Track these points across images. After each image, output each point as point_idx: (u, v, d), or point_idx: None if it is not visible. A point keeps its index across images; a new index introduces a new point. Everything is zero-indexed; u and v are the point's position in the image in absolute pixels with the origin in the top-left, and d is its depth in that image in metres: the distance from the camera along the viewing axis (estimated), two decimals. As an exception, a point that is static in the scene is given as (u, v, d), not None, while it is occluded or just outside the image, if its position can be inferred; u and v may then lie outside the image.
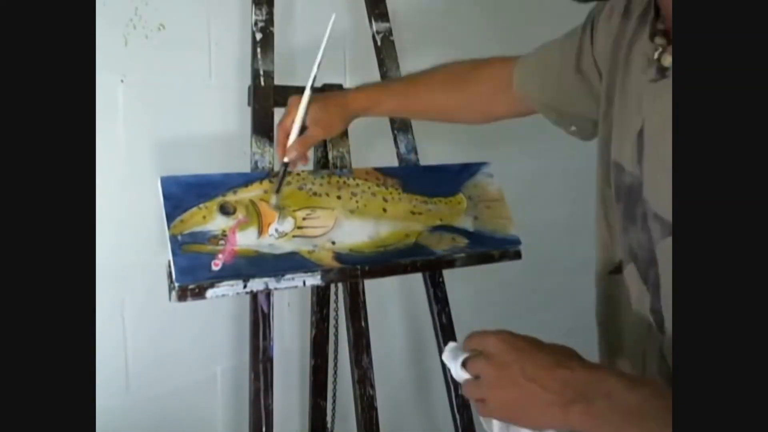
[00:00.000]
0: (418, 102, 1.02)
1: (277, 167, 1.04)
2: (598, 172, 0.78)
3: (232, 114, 1.20)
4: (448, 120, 1.10)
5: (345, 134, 1.15)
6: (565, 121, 0.91)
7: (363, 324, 1.14)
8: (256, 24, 1.08)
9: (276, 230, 0.99)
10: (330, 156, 1.13)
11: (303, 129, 0.98)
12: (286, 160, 0.98)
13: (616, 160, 0.73)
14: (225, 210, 0.97)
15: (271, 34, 1.09)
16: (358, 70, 1.39)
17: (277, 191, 1.00)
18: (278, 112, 1.09)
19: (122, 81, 1.07)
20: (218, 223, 0.95)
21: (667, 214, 0.61)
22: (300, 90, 1.00)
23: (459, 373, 0.61)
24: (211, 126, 1.19)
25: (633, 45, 0.71)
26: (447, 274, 1.23)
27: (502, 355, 0.58)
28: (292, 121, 0.97)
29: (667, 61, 0.62)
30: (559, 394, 0.54)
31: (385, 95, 1.04)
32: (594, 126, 0.83)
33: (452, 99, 1.01)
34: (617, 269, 0.74)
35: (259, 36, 1.08)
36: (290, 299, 1.34)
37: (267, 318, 1.05)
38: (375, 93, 1.05)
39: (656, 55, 0.64)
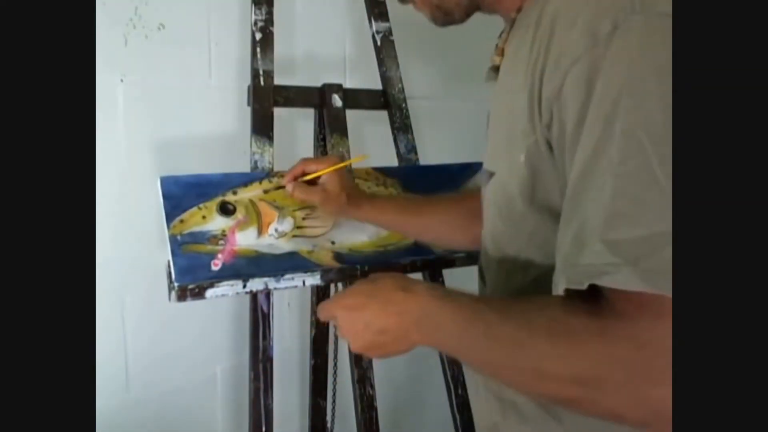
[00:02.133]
0: (412, 219, 1.04)
1: (277, 167, 1.05)
2: None
3: (232, 114, 1.20)
4: (438, 241, 1.12)
5: (345, 134, 1.15)
6: None
7: (363, 324, 1.13)
8: (255, 24, 1.08)
9: (276, 230, 0.99)
10: (329, 152, 1.13)
11: (315, 181, 1.00)
12: (288, 188, 0.99)
13: (487, 168, 0.78)
14: (225, 210, 0.97)
15: (271, 33, 1.09)
16: (358, 70, 1.39)
17: (266, 192, 1.02)
18: (278, 112, 1.09)
19: (122, 81, 1.07)
20: (218, 223, 0.95)
21: (488, 165, 0.72)
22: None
23: None
24: (211, 126, 1.19)
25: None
26: (446, 274, 1.23)
27: (343, 320, 0.69)
28: (316, 169, 0.99)
29: (496, 61, 0.74)
30: (398, 329, 0.65)
31: (386, 208, 1.04)
32: None
33: (441, 218, 1.03)
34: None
35: (258, 36, 1.08)
36: (290, 299, 1.34)
37: (267, 318, 1.05)
38: (380, 205, 1.04)
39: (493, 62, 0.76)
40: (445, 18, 0.77)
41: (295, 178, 0.99)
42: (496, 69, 0.75)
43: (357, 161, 1.05)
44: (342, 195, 0.98)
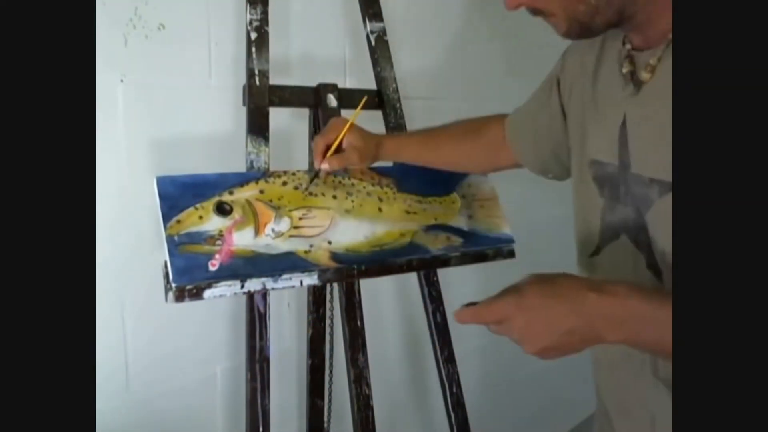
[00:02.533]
0: (434, 153, 1.14)
1: (273, 167, 1.05)
2: (574, 177, 0.92)
3: (232, 114, 1.20)
4: (460, 169, 1.21)
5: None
6: (546, 170, 1.06)
7: (359, 323, 1.14)
8: (251, 23, 1.08)
9: (273, 230, 0.99)
10: (325, 156, 1.13)
11: (339, 149, 1.04)
12: (324, 166, 1.03)
13: (593, 158, 0.85)
14: (222, 210, 0.96)
15: (266, 33, 1.09)
16: (358, 70, 1.39)
17: (306, 189, 1.05)
18: (273, 112, 1.09)
19: (122, 81, 1.06)
20: (215, 223, 0.95)
21: (663, 175, 0.71)
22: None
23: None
24: (211, 126, 1.19)
25: (599, 68, 0.85)
26: (444, 273, 1.24)
27: (521, 321, 0.66)
28: (336, 138, 1.03)
29: (644, 77, 0.74)
30: (587, 329, 0.64)
31: (408, 144, 1.15)
32: (564, 166, 1.00)
33: (462, 152, 1.14)
34: (596, 252, 0.85)
35: (254, 35, 1.08)
36: (290, 299, 1.34)
37: (263, 318, 1.05)
38: (399, 141, 1.16)
39: (629, 73, 0.77)
40: (581, 32, 0.76)
41: (323, 156, 1.03)
42: (638, 83, 0.76)
43: (361, 108, 1.08)
44: (369, 143, 1.07)
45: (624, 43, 0.79)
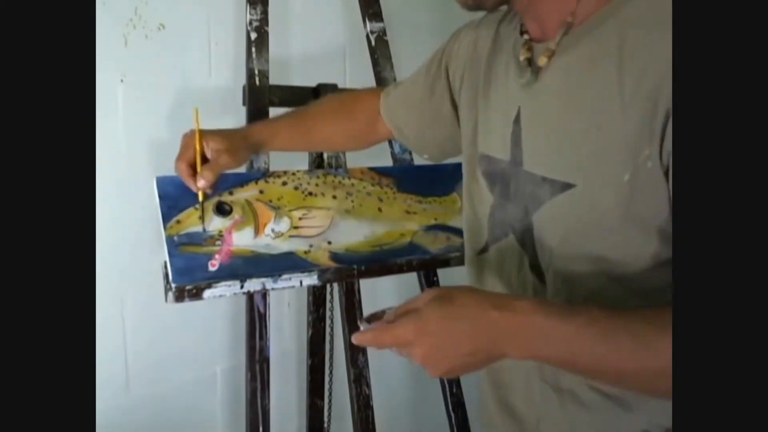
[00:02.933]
0: (308, 134, 1.07)
1: (273, 167, 1.06)
2: (465, 171, 0.90)
3: (232, 114, 1.20)
4: (334, 149, 1.17)
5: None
6: (423, 150, 1.05)
7: (358, 323, 1.14)
8: (251, 23, 1.08)
9: (272, 230, 0.99)
10: (325, 156, 1.13)
11: (204, 160, 0.94)
12: (200, 184, 0.93)
13: (484, 152, 0.83)
14: (221, 210, 0.96)
15: (266, 33, 1.09)
16: (357, 69, 1.39)
17: (202, 219, 0.95)
18: (273, 112, 1.09)
19: (122, 81, 1.06)
20: (215, 223, 0.95)
21: (555, 174, 0.70)
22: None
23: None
24: (211, 126, 1.18)
25: (494, 55, 0.84)
26: (444, 273, 1.24)
27: (421, 347, 0.63)
28: (194, 153, 0.94)
29: (542, 61, 0.72)
30: (490, 346, 0.63)
31: (278, 129, 1.04)
32: (443, 149, 1.01)
33: (334, 132, 1.08)
34: (484, 249, 0.84)
35: (254, 35, 1.08)
36: (290, 299, 1.34)
37: (263, 318, 1.05)
38: (270, 128, 1.04)
39: (525, 60, 0.75)
40: (475, 3, 0.76)
41: (195, 176, 0.93)
42: (536, 69, 0.74)
43: (198, 120, 0.96)
44: (234, 140, 0.96)
45: (522, 33, 0.78)
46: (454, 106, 0.94)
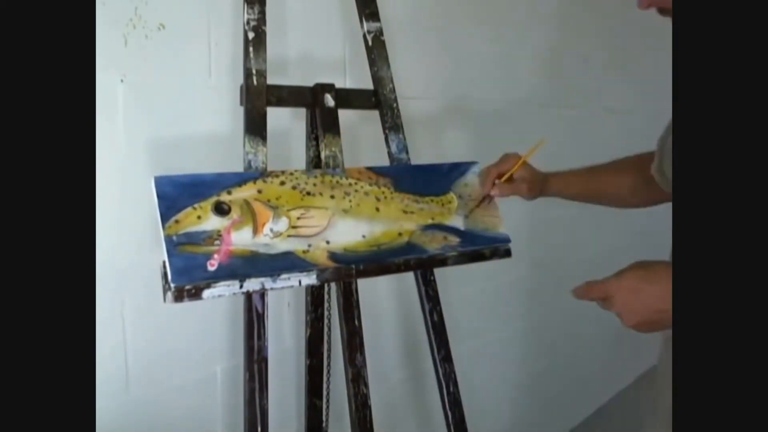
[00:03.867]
0: (596, 187, 1.22)
1: (270, 167, 1.06)
2: None
3: (230, 114, 1.20)
4: (623, 203, 1.28)
5: (338, 134, 1.15)
6: None
7: (356, 323, 1.14)
8: (248, 23, 1.08)
9: (271, 230, 0.99)
10: (322, 155, 1.13)
11: (510, 179, 1.17)
12: (494, 192, 1.18)
13: None
14: (220, 210, 0.96)
15: (264, 33, 1.09)
16: (356, 69, 1.39)
17: (466, 216, 1.19)
18: (271, 112, 1.09)
19: (122, 81, 1.06)
20: (213, 223, 0.95)
21: None
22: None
23: None
24: (210, 126, 1.19)
25: None
26: (443, 273, 1.24)
27: (622, 301, 0.80)
28: (509, 169, 1.17)
29: None
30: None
31: (572, 181, 1.24)
32: None
33: (622, 185, 1.20)
34: None
35: (251, 35, 1.08)
36: (290, 299, 1.34)
37: (261, 318, 1.05)
38: (566, 177, 1.24)
39: None
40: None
41: (493, 184, 1.17)
42: None
43: (537, 148, 1.19)
44: (537, 178, 1.19)
45: None
46: None
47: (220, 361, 1.25)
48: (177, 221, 0.92)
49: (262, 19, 1.09)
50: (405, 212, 1.14)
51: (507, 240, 1.23)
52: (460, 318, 1.34)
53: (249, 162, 1.05)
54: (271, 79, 1.10)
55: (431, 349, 1.25)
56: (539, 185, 1.20)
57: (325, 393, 1.28)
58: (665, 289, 0.72)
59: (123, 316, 1.09)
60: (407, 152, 1.24)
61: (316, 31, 1.35)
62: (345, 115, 1.19)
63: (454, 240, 1.17)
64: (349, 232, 1.06)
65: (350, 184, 1.10)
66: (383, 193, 1.13)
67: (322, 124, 1.15)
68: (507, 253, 1.24)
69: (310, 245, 1.01)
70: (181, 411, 1.19)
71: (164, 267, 0.91)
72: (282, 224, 1.00)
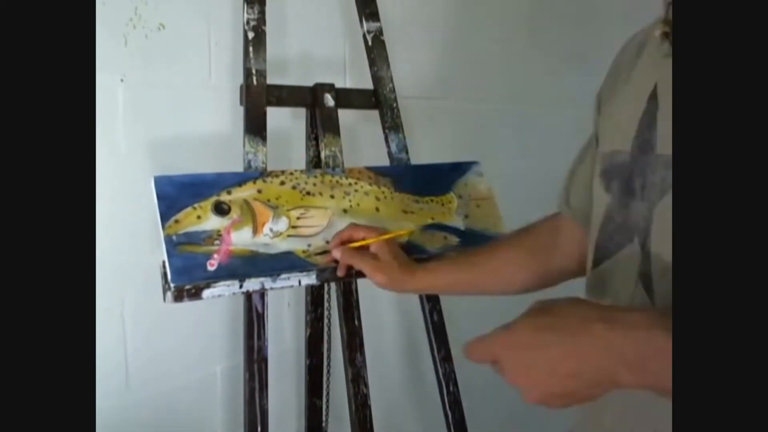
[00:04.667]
0: (473, 270, 0.99)
1: (270, 167, 1.06)
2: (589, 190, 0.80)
3: (230, 113, 1.19)
4: (509, 287, 1.01)
5: (337, 134, 1.15)
6: None
7: (356, 323, 1.14)
8: (248, 23, 1.08)
9: (271, 230, 0.99)
10: (322, 155, 1.13)
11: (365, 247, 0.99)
12: (334, 253, 0.99)
13: (603, 151, 0.75)
14: (219, 210, 0.96)
15: (264, 33, 1.09)
16: (356, 69, 1.39)
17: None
18: (271, 112, 1.09)
19: (122, 81, 1.06)
20: (213, 222, 0.95)
21: None
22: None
23: None
24: (212, 126, 1.19)
25: (621, 57, 0.79)
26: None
27: (514, 365, 0.57)
28: (364, 237, 0.99)
29: None
30: (599, 373, 0.53)
31: (441, 268, 1.00)
32: None
33: (506, 260, 0.98)
34: (595, 264, 0.74)
35: (251, 35, 1.08)
36: (290, 299, 1.34)
37: (261, 318, 1.05)
38: (435, 266, 1.01)
39: (663, 34, 0.66)
40: None
41: (342, 243, 1.00)
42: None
43: (403, 234, 1.07)
44: (394, 263, 0.95)
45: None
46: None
47: (220, 361, 1.25)
48: (177, 221, 0.93)
49: (261, 19, 1.09)
50: (405, 212, 1.14)
51: (507, 240, 1.23)
52: (459, 318, 1.34)
53: (249, 162, 1.06)
54: (271, 79, 1.10)
55: (431, 348, 1.25)
56: (398, 272, 0.95)
57: (325, 393, 1.28)
58: (573, 342, 0.53)
59: (123, 316, 1.09)
60: (407, 152, 1.24)
61: (316, 31, 1.35)
62: (345, 115, 1.19)
63: (454, 240, 1.17)
64: (348, 232, 1.06)
65: (350, 184, 1.10)
66: (383, 193, 1.13)
67: (322, 124, 1.15)
68: (507, 253, 1.24)
69: (309, 245, 1.01)
70: (181, 411, 1.19)
71: (164, 267, 0.91)
72: (282, 224, 1.01)
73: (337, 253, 0.98)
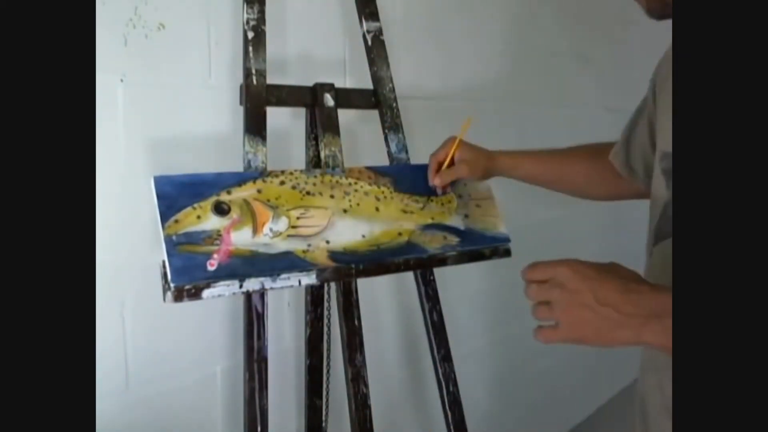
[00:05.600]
0: (551, 172, 1.15)
1: (270, 167, 1.06)
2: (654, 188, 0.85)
3: (230, 113, 1.19)
4: (578, 192, 1.18)
5: (337, 133, 1.15)
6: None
7: (356, 323, 1.14)
8: (248, 22, 1.08)
9: (271, 230, 0.99)
10: (322, 155, 1.13)
11: (452, 163, 1.14)
12: (435, 182, 1.14)
13: (664, 150, 0.80)
14: (219, 210, 0.96)
15: (263, 32, 1.09)
16: (355, 69, 1.39)
17: (424, 208, 1.16)
18: (271, 112, 1.09)
19: (122, 81, 1.06)
20: (213, 222, 0.95)
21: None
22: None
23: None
24: (212, 125, 1.19)
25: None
26: (443, 273, 1.24)
27: (573, 281, 0.62)
28: (446, 154, 1.13)
29: None
30: (632, 316, 0.59)
31: (524, 161, 1.16)
32: None
33: (580, 173, 1.13)
34: (653, 243, 0.83)
35: (251, 34, 1.08)
36: (290, 299, 1.34)
37: (261, 318, 1.05)
38: (515, 156, 1.17)
39: None
40: (663, 11, 0.73)
41: (436, 173, 1.13)
42: None
43: (467, 127, 1.16)
44: (479, 156, 1.13)
45: None
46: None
47: (220, 361, 1.25)
48: (177, 221, 0.92)
49: (261, 19, 1.09)
50: (405, 212, 1.14)
51: (507, 240, 1.23)
52: (459, 318, 1.34)
53: (249, 162, 1.05)
54: (271, 79, 1.10)
55: (431, 348, 1.25)
56: (483, 164, 1.13)
57: (324, 393, 1.28)
58: (626, 284, 0.60)
59: (123, 316, 1.09)
60: (407, 152, 1.24)
61: (316, 31, 1.35)
62: (345, 115, 1.19)
63: (454, 240, 1.17)
64: (348, 232, 1.06)
65: (350, 184, 1.10)
66: (383, 192, 1.13)
67: (322, 124, 1.15)
68: (507, 253, 1.24)
69: (309, 245, 1.01)
70: (181, 411, 1.19)
71: (164, 267, 0.91)
72: (282, 224, 1.00)
73: (438, 181, 1.13)
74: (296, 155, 1.24)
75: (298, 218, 1.02)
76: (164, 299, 0.90)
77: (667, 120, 0.80)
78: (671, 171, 0.77)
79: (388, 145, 1.23)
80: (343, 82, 1.38)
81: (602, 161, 1.07)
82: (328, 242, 1.03)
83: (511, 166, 1.15)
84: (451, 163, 1.13)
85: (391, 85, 1.25)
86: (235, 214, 0.97)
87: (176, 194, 0.94)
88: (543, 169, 1.15)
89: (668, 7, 0.71)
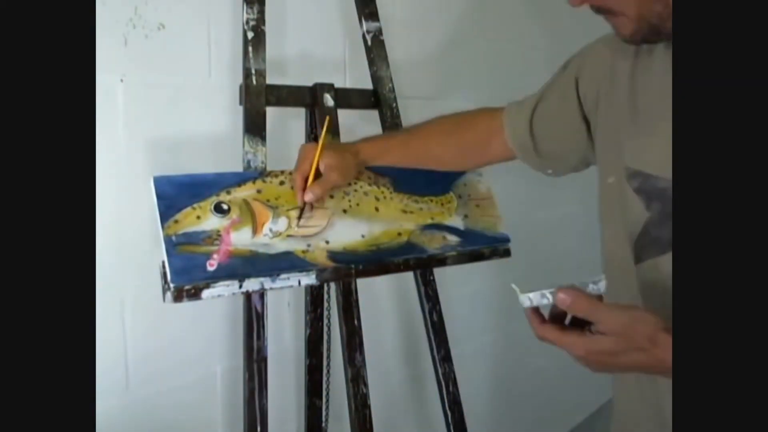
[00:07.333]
0: (417, 153, 1.13)
1: (270, 167, 1.06)
2: (602, 185, 0.87)
3: (230, 113, 1.19)
4: (445, 168, 1.18)
5: (337, 134, 1.15)
6: (548, 164, 1.05)
7: (356, 323, 1.14)
8: (247, 22, 1.08)
9: (270, 230, 0.99)
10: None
11: (318, 174, 1.02)
12: (308, 198, 1.00)
13: (637, 169, 0.79)
14: (219, 210, 0.96)
15: (263, 32, 1.09)
16: (355, 69, 1.39)
17: (297, 226, 1.02)
18: (270, 112, 1.09)
19: (122, 81, 1.06)
20: (212, 223, 0.95)
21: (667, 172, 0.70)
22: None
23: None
24: (212, 126, 1.19)
25: (638, 76, 0.82)
26: (443, 273, 1.24)
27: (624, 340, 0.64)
28: (309, 166, 1.01)
29: None
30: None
31: (388, 147, 1.13)
32: (571, 163, 1.02)
33: (447, 150, 1.13)
34: (636, 261, 0.82)
35: (250, 35, 1.08)
36: (290, 299, 1.34)
37: (261, 318, 1.05)
38: (380, 144, 1.13)
39: None
40: (647, 35, 0.73)
41: (303, 189, 1.01)
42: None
43: (325, 130, 1.09)
44: (346, 158, 1.04)
45: None
46: (585, 121, 0.95)
47: (220, 361, 1.25)
48: (176, 221, 0.93)
49: (261, 19, 1.09)
50: (404, 212, 1.14)
51: (506, 239, 1.23)
52: (459, 318, 1.34)
53: (248, 162, 1.06)
54: (271, 79, 1.10)
55: (431, 348, 1.25)
56: (351, 163, 1.06)
57: (324, 393, 1.28)
58: (642, 343, 0.63)
59: (122, 316, 1.09)
60: (407, 152, 1.24)
61: (316, 31, 1.35)
62: (344, 115, 1.19)
63: (454, 240, 1.17)
64: (348, 232, 1.06)
65: (349, 184, 1.10)
66: (383, 192, 1.13)
67: (322, 124, 1.15)
68: (506, 253, 1.24)
69: (309, 245, 1.01)
70: (181, 411, 1.19)
71: (163, 267, 0.91)
72: (281, 224, 1.00)
73: (308, 197, 1.00)
74: (296, 155, 1.24)
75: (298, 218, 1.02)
76: (164, 299, 0.90)
77: (641, 139, 0.80)
78: (646, 190, 0.78)
79: (387, 145, 1.23)
80: (342, 82, 1.38)
81: (473, 131, 1.09)
82: (327, 242, 1.03)
83: (376, 154, 1.11)
84: (318, 174, 1.02)
85: (390, 85, 1.25)
86: (234, 214, 0.97)
87: (176, 194, 0.94)
88: (407, 152, 1.13)
89: (654, 31, 0.71)
